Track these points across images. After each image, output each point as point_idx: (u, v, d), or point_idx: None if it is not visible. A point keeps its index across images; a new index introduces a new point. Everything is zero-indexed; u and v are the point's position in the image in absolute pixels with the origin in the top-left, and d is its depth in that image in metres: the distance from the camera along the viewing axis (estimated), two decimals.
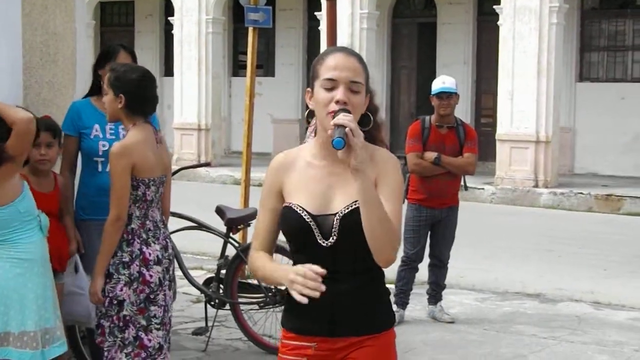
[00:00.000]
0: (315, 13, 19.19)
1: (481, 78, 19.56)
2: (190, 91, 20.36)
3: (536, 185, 16.35)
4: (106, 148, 5.33)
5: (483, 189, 16.42)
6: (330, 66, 3.11)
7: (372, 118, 3.22)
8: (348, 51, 3.18)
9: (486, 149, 16.71)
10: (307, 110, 3.26)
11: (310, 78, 3.22)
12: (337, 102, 3.07)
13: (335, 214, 3.12)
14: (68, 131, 5.49)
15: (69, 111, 5.59)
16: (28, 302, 4.60)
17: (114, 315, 4.81)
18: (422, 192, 7.62)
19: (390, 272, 8.44)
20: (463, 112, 17.79)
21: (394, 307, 7.69)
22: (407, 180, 7.77)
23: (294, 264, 3.11)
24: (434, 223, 7.71)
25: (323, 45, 17.57)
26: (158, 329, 4.85)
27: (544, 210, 15.64)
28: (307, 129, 3.31)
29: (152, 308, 4.84)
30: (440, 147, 7.60)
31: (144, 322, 4.82)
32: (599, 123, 18.13)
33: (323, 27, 18.03)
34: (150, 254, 4.81)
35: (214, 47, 20.23)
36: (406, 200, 7.74)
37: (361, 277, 3.17)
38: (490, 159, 17.50)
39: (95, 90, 5.58)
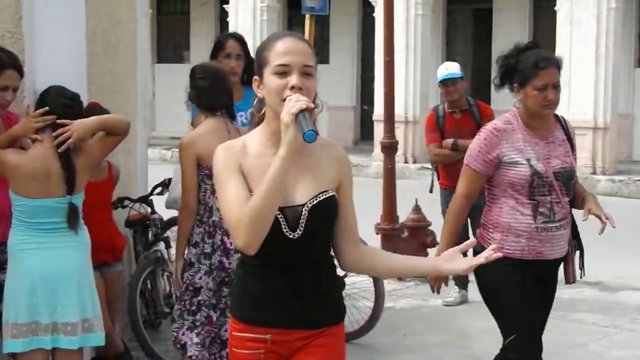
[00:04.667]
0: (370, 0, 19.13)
1: None
2: None
3: (594, 173, 16.16)
4: None
5: None
6: (281, 51, 2.98)
7: (322, 102, 3.15)
8: (296, 36, 3.06)
9: None
10: (256, 99, 3.09)
11: (257, 66, 3.07)
12: (293, 87, 2.95)
13: (302, 206, 3.02)
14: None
15: None
16: (87, 289, 4.66)
17: (187, 300, 4.99)
18: (452, 178, 7.62)
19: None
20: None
21: (455, 289, 7.80)
22: (435, 170, 7.86)
23: (255, 257, 2.98)
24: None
25: (379, 32, 17.52)
26: (177, 302, 5.13)
27: (601, 197, 15.31)
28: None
29: (225, 289, 5.02)
30: (458, 132, 7.63)
31: (214, 301, 5.04)
32: None
33: (378, 14, 17.97)
34: (231, 243, 4.96)
35: (268, 34, 20.09)
36: (438, 185, 7.79)
37: (321, 268, 3.11)
38: None
39: None
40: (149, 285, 6.25)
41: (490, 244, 3.93)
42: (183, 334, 5.02)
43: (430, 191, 7.98)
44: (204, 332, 5.04)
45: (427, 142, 7.77)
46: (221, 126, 5.08)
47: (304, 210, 3.01)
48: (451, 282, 7.94)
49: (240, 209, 2.91)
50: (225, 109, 5.13)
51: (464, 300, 7.82)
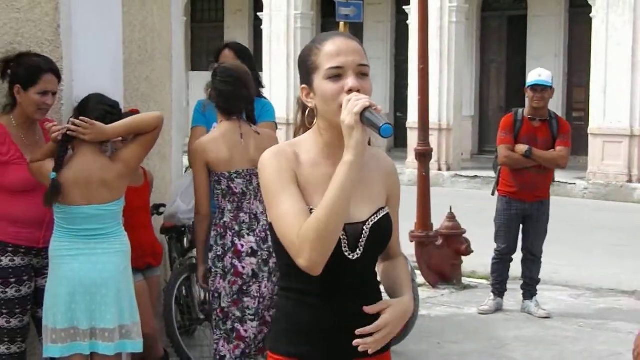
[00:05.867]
0: (404, 7, 19.12)
1: (573, 71, 19.22)
2: (278, 86, 20.49)
3: (630, 180, 16.02)
4: None
5: (574, 184, 16.16)
6: (332, 53, 2.69)
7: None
8: (345, 35, 2.79)
9: (578, 143, 16.42)
10: (308, 110, 2.78)
11: (303, 74, 2.77)
12: (350, 90, 2.65)
13: (363, 223, 2.74)
14: (198, 123, 5.72)
15: (195, 107, 5.83)
16: (126, 296, 4.67)
17: (217, 308, 4.97)
18: (513, 185, 7.58)
19: (480, 267, 8.42)
20: (554, 105, 17.47)
21: (491, 296, 7.79)
22: (497, 173, 7.75)
23: (306, 282, 2.69)
24: (525, 217, 7.66)
25: (412, 39, 17.51)
26: (252, 320, 4.97)
27: (637, 205, 15.31)
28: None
29: (245, 299, 4.96)
30: (532, 140, 7.52)
31: (238, 314, 4.97)
32: None
33: (411, 21, 17.98)
34: (242, 245, 4.95)
35: (302, 42, 20.29)
36: (496, 193, 7.74)
37: (372, 292, 2.82)
38: (582, 154, 17.21)
39: None
40: (184, 292, 6.28)
41: None
42: (223, 346, 5.01)
43: (493, 193, 7.92)
44: (234, 346, 5.01)
45: (499, 143, 7.64)
46: (234, 131, 5.07)
47: (364, 228, 2.73)
48: (488, 289, 7.91)
49: (300, 224, 2.61)
50: (245, 114, 5.17)
51: (498, 308, 7.78)
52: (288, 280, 2.79)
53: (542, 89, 7.53)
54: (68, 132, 4.52)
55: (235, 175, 5.00)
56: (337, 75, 2.68)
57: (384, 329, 2.71)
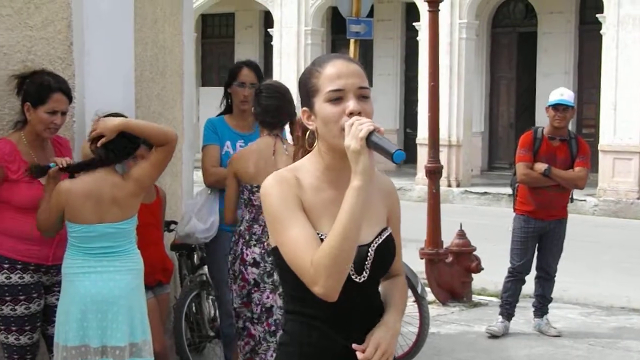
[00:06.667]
0: (414, 23, 19.15)
1: (583, 88, 19.21)
2: None
3: None
4: None
5: (585, 200, 16.11)
6: (333, 75, 2.69)
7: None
8: (345, 57, 2.78)
9: None
10: (308, 132, 2.80)
11: (304, 96, 2.77)
12: (351, 113, 2.65)
13: (367, 245, 2.73)
14: (211, 141, 5.82)
15: (206, 126, 5.90)
16: (137, 314, 4.66)
17: (265, 322, 5.18)
18: (531, 203, 7.55)
19: (491, 284, 8.41)
20: None
21: (500, 318, 7.74)
22: (515, 191, 7.72)
23: (314, 306, 2.68)
24: (542, 235, 7.63)
25: (422, 55, 17.53)
26: (256, 324, 5.20)
27: None
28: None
29: (252, 304, 5.20)
30: (551, 159, 7.50)
31: (249, 314, 5.21)
32: None
33: (422, 38, 18.00)
34: (247, 254, 5.18)
35: (312, 58, 20.25)
36: (514, 211, 7.70)
37: (379, 312, 2.81)
38: (592, 170, 17.09)
39: (228, 109, 5.92)
40: (194, 309, 6.28)
41: None
42: (271, 356, 5.10)
43: (514, 210, 7.88)
44: (244, 342, 5.23)
45: (517, 160, 7.59)
46: (269, 146, 5.25)
47: (370, 250, 2.72)
48: (496, 310, 7.85)
49: (313, 251, 2.59)
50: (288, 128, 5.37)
51: (506, 332, 7.67)
52: (294, 304, 2.78)
53: (564, 109, 7.53)
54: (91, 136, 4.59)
55: (256, 189, 5.13)
56: (337, 98, 2.68)
57: (378, 349, 2.70)
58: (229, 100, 5.95)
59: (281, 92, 5.29)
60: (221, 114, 6.00)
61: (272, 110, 5.24)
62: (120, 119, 4.64)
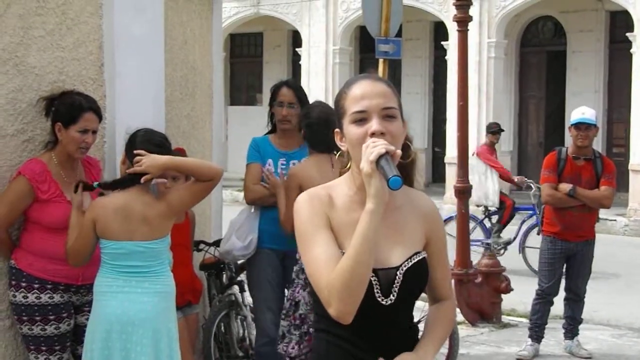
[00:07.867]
0: (442, 42, 19.14)
1: (613, 107, 19.09)
2: None
3: None
4: None
5: (615, 220, 15.99)
6: (357, 97, 2.70)
7: (412, 148, 2.82)
8: (373, 77, 2.78)
9: (618, 180, 16.05)
10: (339, 153, 2.84)
11: (337, 118, 2.80)
12: (373, 134, 2.64)
13: (396, 268, 2.71)
14: (253, 159, 5.86)
15: (250, 144, 5.95)
16: (165, 337, 4.62)
17: (293, 315, 5.13)
18: (557, 224, 7.48)
19: (520, 305, 8.34)
20: (594, 141, 17.41)
21: (529, 341, 7.68)
22: (541, 212, 7.66)
23: (340, 326, 2.66)
24: (570, 256, 7.56)
25: (451, 74, 17.51)
26: (283, 319, 5.14)
27: None
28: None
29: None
30: (576, 179, 7.44)
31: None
32: None
33: (450, 57, 17.98)
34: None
35: (341, 77, 20.38)
36: (541, 233, 7.64)
37: (407, 336, 2.80)
38: (623, 190, 17.01)
39: (274, 128, 5.96)
40: (223, 329, 6.27)
41: None
42: (293, 348, 5.10)
43: (538, 233, 7.83)
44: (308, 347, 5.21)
45: (542, 181, 7.56)
46: (326, 160, 5.30)
47: (398, 273, 2.70)
48: (526, 332, 7.78)
49: (330, 271, 2.60)
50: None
51: (536, 355, 7.61)
52: (321, 322, 2.78)
53: (586, 127, 7.46)
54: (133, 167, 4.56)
55: None
56: (362, 119, 2.69)
57: None
58: (273, 120, 5.96)
59: (328, 113, 5.29)
60: (268, 133, 6.02)
61: (321, 132, 5.26)
62: (167, 157, 4.61)
